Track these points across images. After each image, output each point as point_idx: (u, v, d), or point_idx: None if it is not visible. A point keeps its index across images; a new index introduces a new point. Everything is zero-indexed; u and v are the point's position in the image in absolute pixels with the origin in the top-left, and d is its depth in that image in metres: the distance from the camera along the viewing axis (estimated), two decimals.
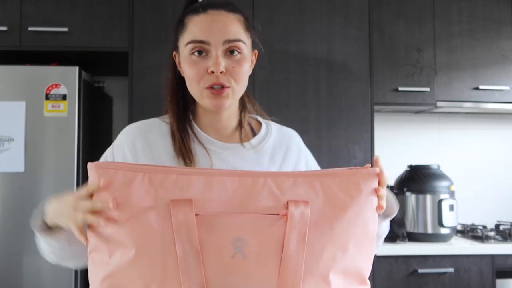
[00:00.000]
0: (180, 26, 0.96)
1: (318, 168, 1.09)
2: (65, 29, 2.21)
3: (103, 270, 0.75)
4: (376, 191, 0.81)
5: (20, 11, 2.21)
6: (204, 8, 0.93)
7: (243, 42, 0.94)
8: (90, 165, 0.77)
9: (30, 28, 2.19)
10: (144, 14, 2.24)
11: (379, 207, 0.81)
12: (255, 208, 0.75)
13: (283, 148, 1.04)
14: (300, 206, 0.75)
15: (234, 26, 0.93)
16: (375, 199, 0.81)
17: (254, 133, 1.04)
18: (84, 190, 0.77)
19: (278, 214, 0.75)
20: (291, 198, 0.77)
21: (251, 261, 0.73)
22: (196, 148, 0.98)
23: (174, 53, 1.01)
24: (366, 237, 0.80)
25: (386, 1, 2.52)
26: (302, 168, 1.04)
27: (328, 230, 0.77)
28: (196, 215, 0.73)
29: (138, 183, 0.75)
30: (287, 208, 0.75)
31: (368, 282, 0.84)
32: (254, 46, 1.00)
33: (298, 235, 0.74)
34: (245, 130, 1.04)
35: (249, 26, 0.98)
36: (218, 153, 0.98)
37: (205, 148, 0.98)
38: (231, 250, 0.73)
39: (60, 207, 0.81)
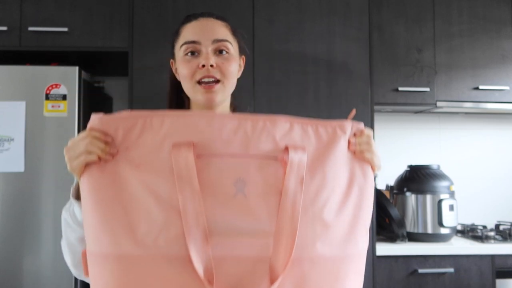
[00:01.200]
0: (175, 35, 1.09)
1: None
2: (65, 29, 2.21)
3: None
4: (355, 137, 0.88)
5: (20, 11, 2.21)
6: (195, 17, 1.07)
7: (230, 43, 1.06)
8: (94, 117, 0.83)
9: (30, 28, 2.19)
10: (144, 14, 2.24)
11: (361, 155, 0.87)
12: (255, 150, 0.80)
13: None
14: (299, 151, 0.80)
15: (221, 29, 1.05)
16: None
17: None
18: (78, 136, 0.81)
19: (276, 158, 0.80)
20: (288, 143, 0.81)
21: (252, 200, 0.77)
22: None
23: (172, 61, 1.12)
24: (354, 183, 0.85)
25: (386, 1, 2.52)
26: None
27: (320, 174, 0.82)
28: (198, 156, 0.77)
29: (142, 129, 0.79)
30: (285, 152, 0.80)
31: (367, 232, 0.88)
32: (241, 51, 1.11)
33: (297, 177, 0.79)
34: None
35: (236, 33, 1.10)
36: None
37: None
38: (232, 190, 0.77)
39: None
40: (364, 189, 0.86)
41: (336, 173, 0.83)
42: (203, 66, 1.01)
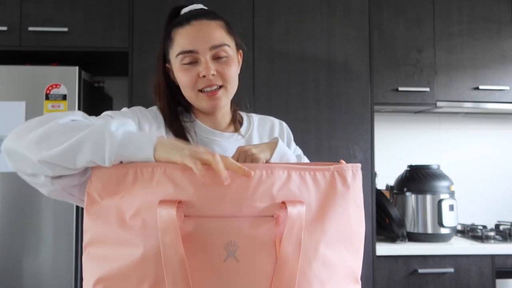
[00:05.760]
0: (168, 40, 1.05)
1: (298, 149, 1.19)
2: (65, 29, 2.21)
3: (100, 268, 0.75)
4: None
5: (20, 11, 2.21)
6: (187, 20, 1.02)
7: (228, 45, 1.02)
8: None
9: (30, 28, 2.19)
10: (144, 14, 2.24)
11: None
12: (249, 209, 0.73)
13: (267, 129, 1.17)
14: (297, 206, 0.73)
15: (217, 32, 1.01)
16: (359, 195, 0.83)
17: (241, 125, 1.16)
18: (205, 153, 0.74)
19: (271, 216, 0.74)
20: (285, 197, 0.74)
21: (244, 265, 0.71)
22: (196, 138, 1.06)
23: (167, 65, 1.08)
24: (352, 234, 0.81)
25: (386, 1, 2.52)
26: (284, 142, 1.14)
27: (320, 228, 0.76)
28: (187, 216, 0.71)
29: (134, 177, 0.75)
30: (281, 208, 0.73)
31: (359, 281, 0.84)
32: (238, 46, 1.09)
33: (295, 238, 0.72)
34: (236, 124, 1.15)
35: (231, 30, 1.06)
36: (217, 141, 1.08)
37: (204, 137, 1.07)
38: (223, 254, 0.71)
39: (178, 147, 0.76)
40: (362, 236, 0.83)
41: (335, 224, 0.78)
42: (204, 76, 0.99)
